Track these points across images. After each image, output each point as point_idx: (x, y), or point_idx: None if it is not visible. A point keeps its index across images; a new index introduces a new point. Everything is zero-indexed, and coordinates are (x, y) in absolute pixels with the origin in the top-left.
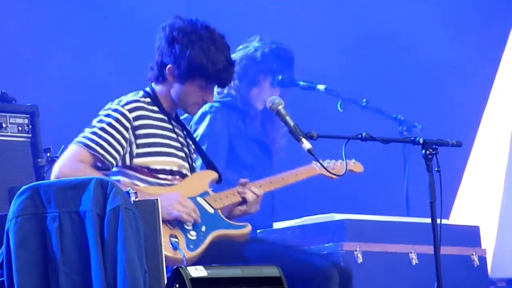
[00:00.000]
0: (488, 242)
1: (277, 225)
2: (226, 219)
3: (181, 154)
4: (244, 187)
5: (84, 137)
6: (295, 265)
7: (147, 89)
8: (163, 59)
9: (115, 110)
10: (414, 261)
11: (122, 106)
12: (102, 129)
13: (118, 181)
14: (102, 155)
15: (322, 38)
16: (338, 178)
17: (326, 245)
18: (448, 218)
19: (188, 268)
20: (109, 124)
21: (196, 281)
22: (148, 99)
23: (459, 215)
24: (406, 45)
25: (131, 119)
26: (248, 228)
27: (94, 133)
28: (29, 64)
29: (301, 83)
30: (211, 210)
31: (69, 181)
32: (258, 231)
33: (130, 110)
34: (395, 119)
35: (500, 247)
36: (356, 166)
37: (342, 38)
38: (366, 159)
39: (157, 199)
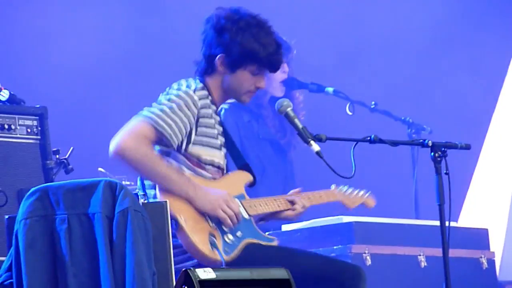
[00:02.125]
0: (496, 244)
1: (285, 227)
2: (258, 229)
3: (224, 150)
4: (297, 196)
5: (153, 113)
6: (324, 264)
7: (198, 80)
8: (211, 50)
9: (187, 94)
10: (423, 263)
11: (194, 91)
12: (171, 108)
13: (168, 160)
14: (169, 135)
15: (331, 40)
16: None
17: (334, 247)
18: (457, 221)
19: (197, 270)
20: (179, 106)
21: (204, 283)
22: (205, 90)
23: (468, 217)
24: (415, 48)
25: (199, 106)
26: (276, 242)
27: (163, 111)
28: (38, 66)
29: (310, 85)
30: (246, 216)
31: (78, 183)
32: (267, 233)
33: (200, 98)
34: (404, 122)
35: (509, 250)
36: (369, 200)
37: (351, 41)
38: (374, 162)
39: (166, 201)
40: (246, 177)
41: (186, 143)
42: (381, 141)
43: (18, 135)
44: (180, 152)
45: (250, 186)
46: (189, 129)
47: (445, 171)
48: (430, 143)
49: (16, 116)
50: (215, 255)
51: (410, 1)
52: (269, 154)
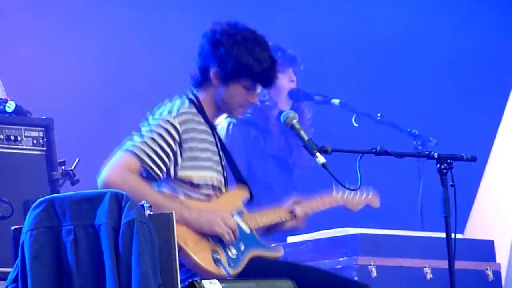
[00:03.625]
0: (502, 256)
1: (291, 239)
2: (261, 240)
3: (220, 168)
4: (297, 204)
5: (134, 145)
6: (331, 281)
7: (190, 96)
8: (206, 63)
9: (166, 121)
10: (429, 275)
11: (174, 117)
12: (152, 139)
13: (161, 190)
14: (151, 167)
15: (336, 52)
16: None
17: (340, 259)
18: (462, 233)
19: (203, 281)
20: (160, 135)
21: None
22: (193, 109)
23: (474, 229)
24: (421, 60)
25: (181, 132)
26: (281, 252)
27: (144, 143)
28: (44, 78)
29: (316, 97)
30: (247, 230)
31: (84, 194)
32: (272, 244)
33: (181, 123)
34: (410, 134)
35: None
36: (373, 200)
37: (357, 52)
38: (380, 174)
39: (171, 213)
40: (243, 193)
41: (174, 168)
42: (387, 153)
43: (24, 147)
44: (171, 178)
45: (248, 202)
46: (172, 156)
47: (451, 183)
48: (436, 155)
49: (22, 128)
50: (221, 271)
51: (417, 13)
52: (274, 171)
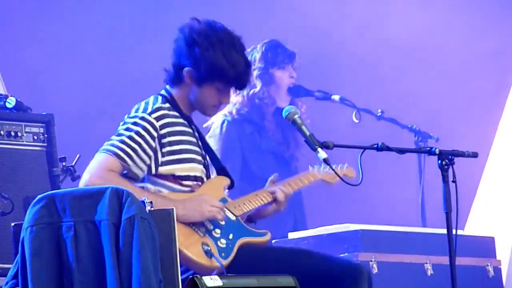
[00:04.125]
0: (503, 253)
1: (292, 235)
2: (248, 226)
3: (200, 158)
4: (276, 185)
5: (112, 145)
6: (325, 263)
7: (163, 92)
8: (180, 61)
9: (142, 118)
10: (430, 271)
11: (149, 114)
12: (130, 137)
13: (144, 187)
14: (131, 165)
15: (336, 48)
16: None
17: (341, 255)
18: (463, 229)
19: (204, 277)
20: (137, 133)
21: None
22: (167, 104)
23: (475, 226)
24: (422, 56)
25: (158, 127)
26: (269, 236)
27: (122, 141)
28: (44, 74)
29: (316, 93)
30: (233, 217)
31: (84, 190)
32: (274, 241)
33: (157, 118)
34: (411, 129)
35: None
36: (348, 171)
37: (357, 48)
38: (382, 169)
39: (172, 209)
40: (224, 180)
41: (155, 164)
42: (388, 148)
43: (25, 142)
44: (152, 174)
45: (230, 189)
46: (152, 153)
47: (452, 179)
48: (437, 151)
49: (23, 123)
50: (214, 263)
51: (417, 9)
52: (271, 166)
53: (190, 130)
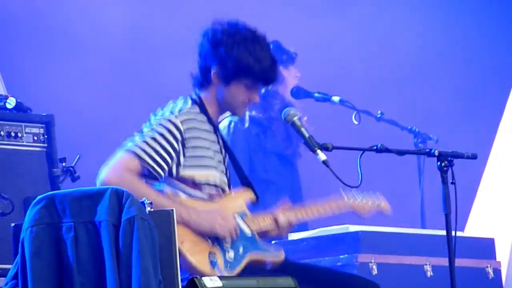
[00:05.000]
0: (503, 254)
1: (292, 236)
2: (262, 243)
3: (222, 167)
4: (282, 210)
5: (134, 145)
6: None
7: (193, 96)
8: (207, 63)
9: (169, 121)
10: (429, 273)
11: (176, 116)
12: (153, 139)
13: (161, 190)
14: (152, 166)
15: (336, 49)
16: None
17: (341, 256)
18: (463, 231)
19: (203, 278)
20: (161, 135)
21: None
22: (196, 109)
23: (474, 227)
24: (421, 57)
25: (183, 130)
26: (282, 255)
27: (145, 142)
28: (44, 74)
29: (316, 94)
30: (248, 232)
31: (84, 191)
32: (273, 242)
33: (183, 122)
34: (410, 131)
35: None
36: (385, 206)
37: (357, 50)
38: (381, 171)
39: (172, 210)
40: (248, 194)
41: (176, 167)
42: (387, 150)
43: (25, 143)
44: (173, 177)
45: (253, 203)
46: (174, 155)
47: (451, 181)
48: (436, 153)
49: (23, 124)
50: (215, 274)
51: (417, 11)
52: (276, 167)
53: (215, 138)
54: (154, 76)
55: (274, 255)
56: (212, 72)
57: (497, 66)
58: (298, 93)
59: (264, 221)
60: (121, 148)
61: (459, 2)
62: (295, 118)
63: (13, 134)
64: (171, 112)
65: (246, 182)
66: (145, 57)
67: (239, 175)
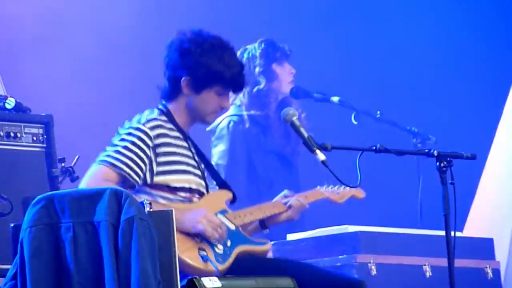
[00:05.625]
0: (502, 254)
1: (291, 236)
2: (247, 235)
3: (198, 172)
4: (288, 197)
5: (108, 155)
6: (324, 277)
7: (160, 106)
8: (175, 73)
9: (137, 129)
10: (428, 273)
11: (143, 124)
12: (125, 147)
13: (139, 197)
14: (128, 174)
15: (336, 50)
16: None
17: (340, 257)
18: (462, 231)
19: (202, 279)
20: (132, 143)
21: None
22: (163, 117)
23: (473, 227)
24: (421, 57)
25: (152, 137)
26: (269, 245)
27: (118, 152)
28: (44, 75)
29: (315, 94)
30: (232, 227)
31: (83, 191)
32: (272, 242)
33: (151, 128)
34: (409, 131)
35: None
36: (358, 192)
37: (356, 50)
38: (380, 171)
39: (171, 210)
40: (226, 194)
41: (150, 175)
42: (386, 150)
43: (24, 143)
44: (147, 185)
45: (232, 203)
46: (147, 162)
47: (450, 181)
48: (435, 153)
49: (22, 124)
50: (209, 267)
51: (417, 11)
52: (275, 167)
53: (186, 144)
54: (155, 78)
55: (260, 246)
56: (182, 81)
57: (496, 66)
58: (297, 93)
59: (247, 216)
60: (95, 161)
61: (459, 3)
62: (294, 118)
63: (12, 135)
64: (138, 121)
65: (222, 184)
66: (145, 59)
67: (215, 178)
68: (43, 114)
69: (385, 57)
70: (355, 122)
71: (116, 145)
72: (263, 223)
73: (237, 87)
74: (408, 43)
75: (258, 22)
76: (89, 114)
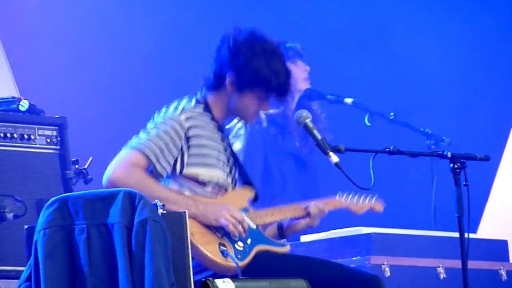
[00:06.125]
0: None
1: (304, 238)
2: (267, 236)
3: (226, 167)
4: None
5: (139, 142)
6: (340, 272)
7: (198, 96)
8: (222, 69)
9: (172, 118)
10: (442, 275)
11: (179, 114)
12: (157, 135)
13: (168, 186)
14: (156, 163)
15: (350, 52)
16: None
17: (353, 258)
18: (476, 232)
19: (216, 280)
20: (165, 132)
21: None
22: (200, 108)
23: (487, 229)
24: (434, 59)
25: (186, 128)
26: (288, 247)
27: (150, 139)
28: (57, 76)
29: (328, 96)
30: (253, 225)
31: (97, 193)
32: (282, 240)
33: (187, 119)
34: (423, 133)
35: None
36: (377, 204)
37: (370, 53)
38: (393, 173)
39: (185, 212)
40: (249, 192)
41: (181, 165)
42: (400, 152)
43: (38, 145)
44: (176, 174)
45: (254, 202)
46: (178, 152)
47: (464, 183)
48: (449, 155)
49: (36, 126)
50: (229, 262)
51: (430, 13)
52: (291, 169)
53: (219, 137)
54: (167, 79)
55: (279, 247)
56: (227, 79)
57: (510, 67)
58: (311, 95)
59: (268, 217)
60: (126, 145)
61: (476, 4)
62: (308, 120)
63: (26, 137)
64: (175, 109)
65: (247, 182)
66: (158, 60)
67: (241, 175)
68: (57, 116)
69: (399, 59)
70: (369, 124)
71: (149, 132)
72: (281, 231)
73: (280, 95)
74: (422, 44)
75: (272, 24)
76: (103, 116)
